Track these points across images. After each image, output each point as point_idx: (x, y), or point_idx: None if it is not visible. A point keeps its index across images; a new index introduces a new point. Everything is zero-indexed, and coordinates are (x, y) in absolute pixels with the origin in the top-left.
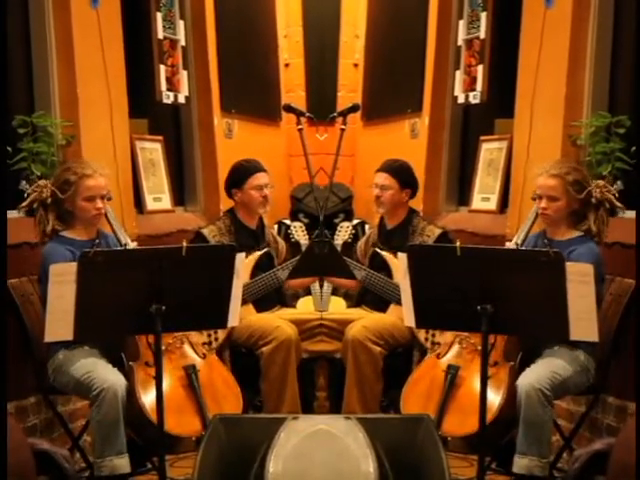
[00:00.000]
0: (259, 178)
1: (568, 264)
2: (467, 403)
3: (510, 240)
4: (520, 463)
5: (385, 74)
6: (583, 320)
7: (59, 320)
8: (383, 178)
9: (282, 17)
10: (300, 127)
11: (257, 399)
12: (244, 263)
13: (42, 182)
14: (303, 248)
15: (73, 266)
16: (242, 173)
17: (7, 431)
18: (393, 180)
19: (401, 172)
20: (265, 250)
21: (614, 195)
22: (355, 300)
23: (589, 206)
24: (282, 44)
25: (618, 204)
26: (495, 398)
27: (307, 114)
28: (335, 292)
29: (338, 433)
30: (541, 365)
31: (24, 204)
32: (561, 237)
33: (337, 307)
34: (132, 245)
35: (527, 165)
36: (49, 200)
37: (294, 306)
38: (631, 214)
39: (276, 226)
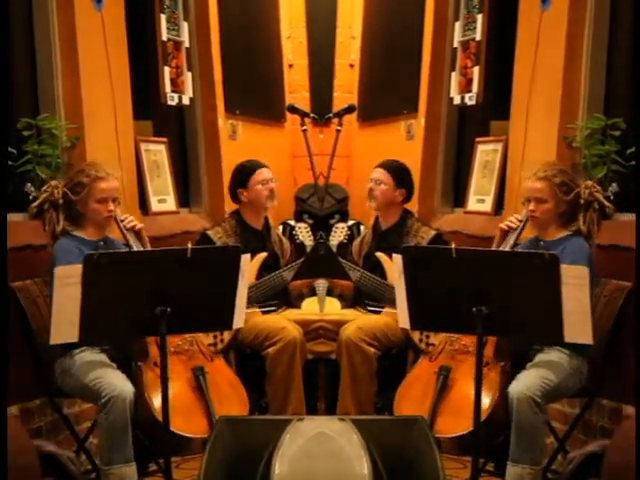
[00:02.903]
0: (262, 173)
1: (563, 266)
2: (459, 404)
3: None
4: (512, 471)
5: (381, 75)
6: (577, 322)
7: (65, 322)
8: (379, 173)
9: (286, 18)
10: (304, 128)
11: (263, 400)
12: (249, 264)
13: (54, 182)
14: (308, 249)
15: (78, 268)
16: (245, 172)
17: (7, 433)
18: (388, 176)
19: (398, 171)
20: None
21: (608, 197)
22: (350, 301)
23: (578, 207)
24: (286, 45)
25: (607, 204)
26: (486, 399)
27: (311, 115)
28: (330, 293)
29: (333, 434)
30: (532, 371)
31: (35, 204)
32: (551, 237)
33: (332, 308)
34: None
35: (522, 167)
36: (60, 201)
37: (299, 307)
38: (625, 216)
39: (281, 227)
